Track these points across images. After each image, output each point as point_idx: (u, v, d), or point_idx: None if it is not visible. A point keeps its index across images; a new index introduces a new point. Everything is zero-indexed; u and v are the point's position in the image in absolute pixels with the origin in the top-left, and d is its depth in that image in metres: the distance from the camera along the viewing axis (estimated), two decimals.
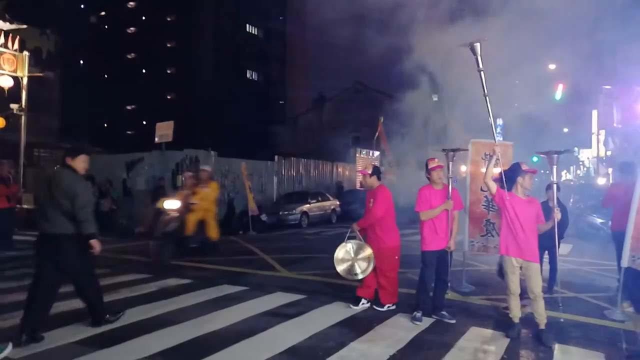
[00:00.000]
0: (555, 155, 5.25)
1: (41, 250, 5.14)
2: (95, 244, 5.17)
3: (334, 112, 42.50)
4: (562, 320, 5.80)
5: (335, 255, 6.43)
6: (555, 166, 5.22)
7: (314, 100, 50.08)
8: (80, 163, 5.27)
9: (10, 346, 4.52)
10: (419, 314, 5.82)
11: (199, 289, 7.24)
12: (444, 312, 5.92)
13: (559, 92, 23.38)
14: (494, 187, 5.35)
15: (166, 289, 7.27)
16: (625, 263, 6.17)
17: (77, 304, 5.75)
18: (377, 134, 11.25)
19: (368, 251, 6.28)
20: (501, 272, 5.93)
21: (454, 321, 5.78)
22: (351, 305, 6.39)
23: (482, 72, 5.61)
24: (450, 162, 5.91)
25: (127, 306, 6.14)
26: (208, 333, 5.23)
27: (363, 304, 6.41)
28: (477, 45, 5.54)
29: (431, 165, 5.97)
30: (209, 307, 6.23)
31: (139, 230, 14.58)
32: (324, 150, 29.07)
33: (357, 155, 28.50)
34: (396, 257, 6.39)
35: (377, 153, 29.29)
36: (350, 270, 6.36)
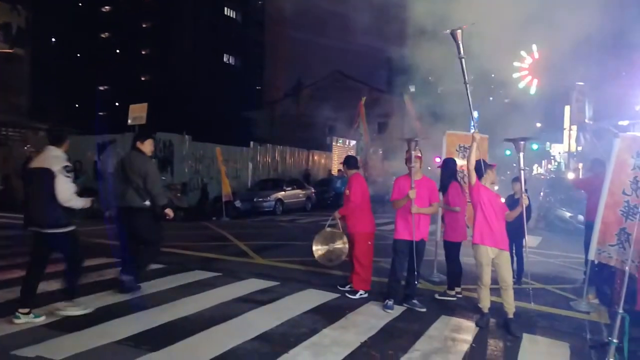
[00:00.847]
0: (522, 142, 5.30)
1: (120, 220, 6.17)
2: (169, 212, 6.19)
3: (311, 100, 42.33)
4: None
5: (314, 241, 6.60)
6: (522, 153, 5.28)
7: (292, 87, 49.79)
8: (148, 146, 6.26)
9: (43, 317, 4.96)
10: (390, 302, 5.87)
11: (170, 274, 7.16)
12: (415, 301, 5.99)
13: (533, 87, 23.77)
14: (474, 177, 5.43)
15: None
16: (592, 256, 6.32)
17: (46, 286, 5.65)
18: (357, 116, 11.09)
19: (344, 239, 6.44)
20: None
21: (424, 310, 5.86)
22: (339, 286, 6.71)
23: (463, 60, 5.59)
24: (413, 151, 5.88)
25: (96, 290, 6.07)
26: (179, 318, 5.19)
27: (361, 295, 6.43)
28: (459, 32, 5.53)
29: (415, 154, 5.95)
30: (181, 293, 6.17)
31: (110, 213, 14.37)
32: (300, 138, 29.02)
33: (334, 143, 28.52)
34: (369, 243, 6.51)
35: (353, 142, 29.31)
36: (327, 256, 6.54)
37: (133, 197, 5.97)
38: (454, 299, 6.48)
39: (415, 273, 5.95)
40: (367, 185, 6.66)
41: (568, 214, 13.95)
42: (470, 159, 5.42)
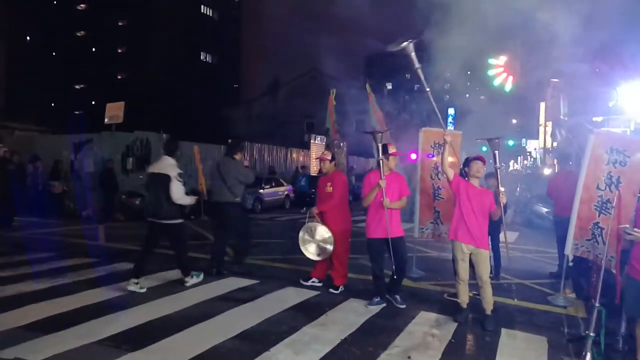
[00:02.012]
0: (496, 140, 5.36)
1: (214, 213, 7.59)
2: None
3: (289, 98, 42.29)
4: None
5: (299, 240, 6.64)
6: (497, 151, 5.33)
7: (269, 85, 49.69)
8: (239, 155, 7.74)
9: (202, 275, 6.80)
10: (376, 299, 5.94)
11: (149, 273, 7.05)
12: (397, 296, 5.99)
13: (508, 84, 24.04)
14: (451, 173, 5.46)
15: (116, 273, 7.08)
16: (568, 251, 6.43)
17: (25, 287, 5.78)
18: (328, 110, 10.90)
19: (328, 233, 6.48)
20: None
21: (404, 306, 5.89)
22: (301, 280, 6.79)
23: (419, 70, 5.70)
24: (379, 144, 5.92)
25: (74, 291, 6.01)
26: (159, 317, 5.15)
27: (314, 282, 6.73)
28: (410, 46, 5.65)
29: (391, 150, 5.95)
30: (160, 292, 6.13)
31: (87, 213, 14.18)
32: (279, 135, 28.93)
33: (312, 141, 28.47)
34: (348, 240, 6.66)
35: (342, 144, 29.30)
36: (315, 250, 6.61)
37: (227, 193, 7.30)
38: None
39: (398, 269, 5.90)
40: (347, 183, 6.77)
41: (544, 210, 14.15)
42: (444, 158, 5.50)
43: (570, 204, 6.78)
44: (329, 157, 6.71)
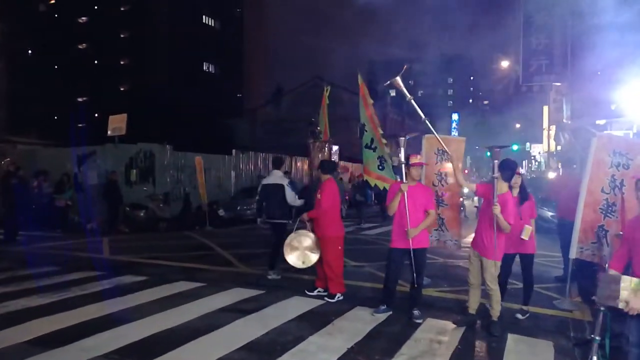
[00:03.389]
0: (498, 149, 5.33)
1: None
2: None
3: (292, 106, 42.33)
4: (520, 316, 5.92)
5: (285, 245, 6.68)
6: (497, 160, 5.28)
7: (272, 93, 49.79)
8: (283, 168, 8.81)
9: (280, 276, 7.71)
10: (382, 307, 5.90)
11: (154, 285, 7.09)
12: (415, 312, 5.77)
13: (510, 89, 24.05)
14: (472, 186, 5.60)
15: (120, 286, 7.09)
16: (573, 254, 6.41)
17: (29, 302, 5.78)
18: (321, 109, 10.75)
19: (314, 241, 6.56)
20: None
21: (421, 321, 5.66)
22: (306, 291, 6.76)
23: (412, 101, 5.93)
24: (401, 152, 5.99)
25: (79, 305, 5.99)
26: (164, 330, 5.13)
27: (319, 292, 6.72)
28: (397, 80, 5.81)
29: (412, 161, 5.85)
30: (165, 304, 6.11)
31: (91, 226, 14.22)
32: (283, 144, 28.93)
33: None
34: (339, 247, 6.62)
35: (335, 147, 29.30)
36: (300, 259, 6.64)
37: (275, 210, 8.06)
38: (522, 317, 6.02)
39: (415, 284, 5.82)
40: (338, 191, 6.80)
41: (550, 213, 14.06)
42: (457, 175, 5.84)
43: (571, 206, 6.93)
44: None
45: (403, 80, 6.02)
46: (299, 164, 26.42)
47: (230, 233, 14.14)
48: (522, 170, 7.10)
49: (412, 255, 5.65)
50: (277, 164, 8.47)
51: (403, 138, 6.02)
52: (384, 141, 9.42)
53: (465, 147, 7.81)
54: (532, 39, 19.22)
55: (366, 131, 9.67)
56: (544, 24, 18.96)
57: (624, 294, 3.59)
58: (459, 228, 7.67)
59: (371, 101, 9.84)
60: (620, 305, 3.55)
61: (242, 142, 29.90)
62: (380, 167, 9.45)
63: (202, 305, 6.13)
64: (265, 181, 8.25)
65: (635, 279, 3.58)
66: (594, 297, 4.10)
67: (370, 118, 9.67)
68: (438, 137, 6.34)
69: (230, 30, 67.06)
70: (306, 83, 42.61)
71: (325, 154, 9.09)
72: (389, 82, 6.00)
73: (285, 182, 7.94)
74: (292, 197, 7.84)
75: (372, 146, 9.51)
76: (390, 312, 5.91)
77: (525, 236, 5.71)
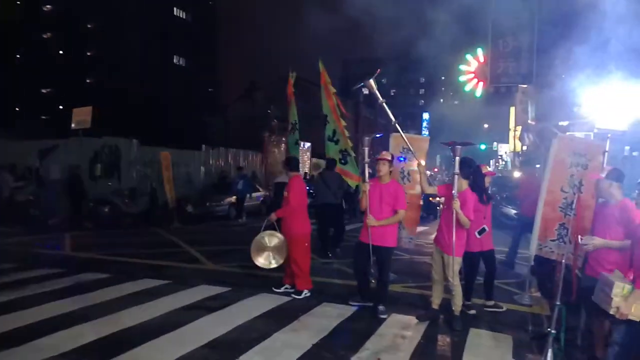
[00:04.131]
0: (458, 147, 5.42)
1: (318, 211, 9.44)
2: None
3: (265, 102, 42.07)
4: (473, 311, 6.04)
5: (252, 245, 6.59)
6: (457, 157, 5.37)
7: (245, 89, 49.32)
8: (338, 168, 9.45)
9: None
10: (356, 298, 6.07)
11: (117, 283, 6.95)
12: (380, 307, 5.82)
13: (479, 90, 24.51)
14: (433, 190, 5.89)
15: (82, 284, 6.92)
16: (533, 251, 6.56)
17: None
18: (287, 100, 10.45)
19: (282, 240, 6.50)
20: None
21: (385, 316, 5.73)
22: (274, 288, 6.74)
23: (384, 104, 6.00)
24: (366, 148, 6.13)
25: (38, 303, 5.84)
26: (127, 328, 5.06)
27: (286, 288, 6.70)
28: (370, 82, 5.87)
29: (378, 157, 5.95)
30: (128, 302, 6.00)
31: (53, 221, 13.87)
32: (256, 140, 28.72)
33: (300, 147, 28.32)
34: (306, 244, 6.65)
35: (308, 144, 29.27)
36: (267, 259, 6.57)
37: (331, 197, 9.36)
38: (501, 310, 6.22)
39: (379, 279, 5.95)
40: (305, 188, 6.85)
41: (513, 211, 14.38)
42: (423, 184, 6.02)
43: (531, 204, 7.23)
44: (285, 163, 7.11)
45: (376, 81, 6.07)
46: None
47: (198, 230, 14.00)
48: (489, 168, 7.25)
49: (370, 250, 5.71)
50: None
51: (367, 138, 6.10)
52: (347, 134, 9.29)
53: (436, 146, 7.98)
54: (500, 41, 19.54)
55: (328, 122, 9.44)
56: (511, 27, 19.29)
57: (615, 300, 3.60)
58: (415, 226, 7.91)
59: (333, 90, 9.55)
60: (612, 311, 3.59)
61: (214, 138, 29.52)
62: (343, 161, 9.32)
63: (166, 303, 6.06)
64: (277, 180, 9.20)
65: (627, 286, 3.55)
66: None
67: (332, 109, 9.35)
68: (404, 135, 6.45)
69: (202, 24, 66.26)
70: (280, 79, 42.47)
71: (282, 148, 9.13)
72: (362, 83, 6.05)
73: None
74: None
75: (335, 139, 9.37)
76: (363, 305, 6.02)
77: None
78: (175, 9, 63.57)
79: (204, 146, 20.68)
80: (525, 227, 8.16)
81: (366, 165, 5.99)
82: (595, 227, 4.43)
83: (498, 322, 5.70)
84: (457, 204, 5.18)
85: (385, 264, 5.90)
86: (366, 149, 6.04)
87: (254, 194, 17.73)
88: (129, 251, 9.58)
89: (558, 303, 4.50)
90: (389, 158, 5.88)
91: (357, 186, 10.07)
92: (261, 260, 6.59)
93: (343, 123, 9.29)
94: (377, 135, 6.90)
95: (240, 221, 15.79)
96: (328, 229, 9.74)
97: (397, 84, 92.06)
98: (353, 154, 9.42)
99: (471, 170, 5.68)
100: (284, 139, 9.51)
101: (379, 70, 6.76)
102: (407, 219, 7.51)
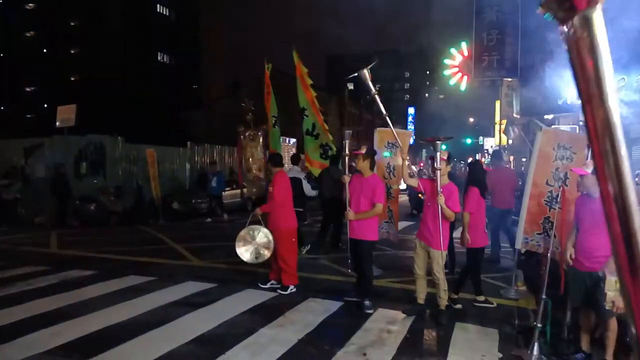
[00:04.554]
0: (438, 142, 5.42)
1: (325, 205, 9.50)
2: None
3: (250, 98, 41.94)
4: (459, 306, 6.08)
5: (237, 240, 6.62)
6: (438, 152, 5.38)
7: (230, 85, 49.06)
8: (301, 164, 9.80)
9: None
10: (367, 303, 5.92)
11: (103, 280, 6.93)
12: (366, 302, 5.83)
13: (463, 84, 24.62)
14: (415, 183, 5.82)
15: (68, 281, 6.90)
16: (518, 245, 6.62)
17: None
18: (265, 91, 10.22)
19: (268, 236, 6.50)
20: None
21: (371, 311, 5.75)
22: (260, 284, 6.74)
23: (376, 96, 5.98)
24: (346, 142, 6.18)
25: (23, 300, 5.81)
26: (112, 325, 5.04)
27: (272, 284, 6.70)
28: (365, 72, 5.83)
29: (355, 151, 6.08)
30: (114, 299, 5.99)
31: (39, 220, 13.74)
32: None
33: (283, 144, 28.33)
34: (293, 240, 6.67)
35: (293, 140, 29.24)
36: (252, 254, 6.58)
37: (338, 191, 8.49)
38: (491, 305, 6.18)
39: (362, 274, 5.99)
40: (290, 183, 6.84)
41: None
42: (404, 174, 5.94)
43: (504, 197, 8.35)
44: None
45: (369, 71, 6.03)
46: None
47: (184, 226, 13.94)
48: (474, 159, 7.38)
49: (349, 243, 5.84)
50: (295, 160, 9.84)
51: (348, 131, 6.13)
52: (327, 127, 9.01)
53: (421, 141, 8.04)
54: (484, 35, 19.62)
55: (306, 116, 9.16)
56: (495, 20, 19.38)
57: (609, 295, 3.62)
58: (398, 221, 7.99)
59: (310, 82, 9.26)
60: (607, 306, 3.61)
61: (199, 135, 29.35)
62: (324, 156, 9.15)
63: (152, 299, 6.05)
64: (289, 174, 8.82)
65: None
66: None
67: (311, 101, 9.07)
68: (393, 130, 6.44)
69: (186, 20, 65.82)
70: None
71: (260, 142, 8.98)
72: (356, 73, 5.93)
73: (302, 175, 9.04)
74: (307, 189, 8.96)
75: (314, 133, 9.14)
76: (342, 303, 6.04)
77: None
78: (158, 5, 63.09)
79: (189, 143, 20.54)
80: (500, 219, 8.69)
81: (347, 159, 6.06)
82: (581, 221, 4.41)
83: (484, 316, 5.73)
84: (441, 199, 5.21)
85: (365, 257, 5.93)
86: (347, 142, 6.07)
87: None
88: (114, 248, 9.53)
89: (544, 297, 4.54)
90: (363, 152, 5.90)
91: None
92: (247, 255, 6.59)
93: (322, 117, 9.14)
94: (352, 130, 6.96)
95: (207, 221, 15.04)
96: (330, 224, 9.57)
97: (382, 78, 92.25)
98: (335, 148, 9.27)
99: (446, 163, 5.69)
100: (260, 133, 9.28)
101: (375, 61, 6.71)
102: (397, 213, 7.58)
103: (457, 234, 6.67)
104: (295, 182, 8.28)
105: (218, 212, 15.45)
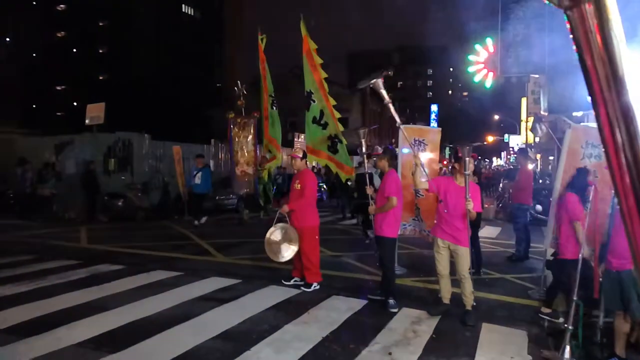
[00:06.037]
0: (467, 147, 5.28)
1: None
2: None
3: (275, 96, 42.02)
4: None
5: (266, 238, 6.62)
6: (467, 158, 5.21)
7: (250, 84, 49.33)
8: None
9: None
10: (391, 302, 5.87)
11: (131, 274, 7.05)
12: (390, 301, 5.80)
13: (489, 80, 24.27)
14: (425, 185, 5.69)
15: (97, 275, 7.04)
16: (547, 245, 6.51)
17: (6, 290, 5.83)
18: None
19: (294, 234, 6.51)
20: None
21: (396, 310, 5.72)
22: (283, 281, 6.75)
23: (390, 105, 5.90)
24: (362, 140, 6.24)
25: (55, 293, 5.95)
26: (140, 319, 5.12)
27: (296, 281, 6.71)
28: (379, 82, 5.78)
29: (375, 152, 6.16)
30: (142, 293, 6.08)
31: (69, 215, 14.05)
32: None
33: (295, 139, 28.43)
34: (316, 237, 6.65)
35: (303, 135, 29.27)
36: (279, 252, 6.58)
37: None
38: (558, 321, 5.47)
39: (386, 273, 5.99)
40: (316, 179, 6.84)
41: (539, 206, 14.25)
42: (416, 177, 5.58)
43: (521, 193, 8.72)
44: (300, 155, 6.78)
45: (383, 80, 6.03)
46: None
47: (208, 223, 14.04)
48: (501, 162, 7.26)
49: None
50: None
51: (362, 130, 6.10)
52: (338, 115, 7.71)
53: (445, 139, 7.94)
54: (510, 30, 19.35)
55: (313, 101, 7.80)
56: (521, 16, 19.11)
57: None
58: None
59: (320, 61, 7.75)
60: None
61: (222, 132, 29.55)
62: (332, 150, 7.93)
63: (178, 294, 6.12)
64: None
65: None
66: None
67: (319, 84, 7.64)
68: (414, 128, 6.44)
69: (209, 20, 66.48)
70: (286, 73, 42.34)
71: (252, 132, 8.50)
72: (369, 83, 5.86)
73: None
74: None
75: (322, 122, 7.78)
76: (366, 302, 6.03)
77: None
78: (184, 5, 63.95)
79: (213, 140, 20.72)
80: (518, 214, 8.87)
81: (365, 157, 6.11)
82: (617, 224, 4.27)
83: (512, 318, 5.62)
84: (470, 204, 5.09)
85: (385, 255, 5.96)
86: (363, 142, 6.05)
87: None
88: (142, 244, 9.68)
89: (575, 298, 4.45)
90: (380, 152, 5.99)
91: (347, 179, 9.52)
92: (274, 254, 6.59)
93: (332, 102, 7.65)
94: (367, 128, 6.85)
95: (196, 223, 12.84)
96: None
97: (404, 75, 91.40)
98: (345, 141, 7.99)
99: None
100: (252, 120, 8.73)
101: (388, 72, 6.61)
102: (424, 210, 7.48)
103: (482, 232, 6.60)
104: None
105: (193, 214, 13.40)
